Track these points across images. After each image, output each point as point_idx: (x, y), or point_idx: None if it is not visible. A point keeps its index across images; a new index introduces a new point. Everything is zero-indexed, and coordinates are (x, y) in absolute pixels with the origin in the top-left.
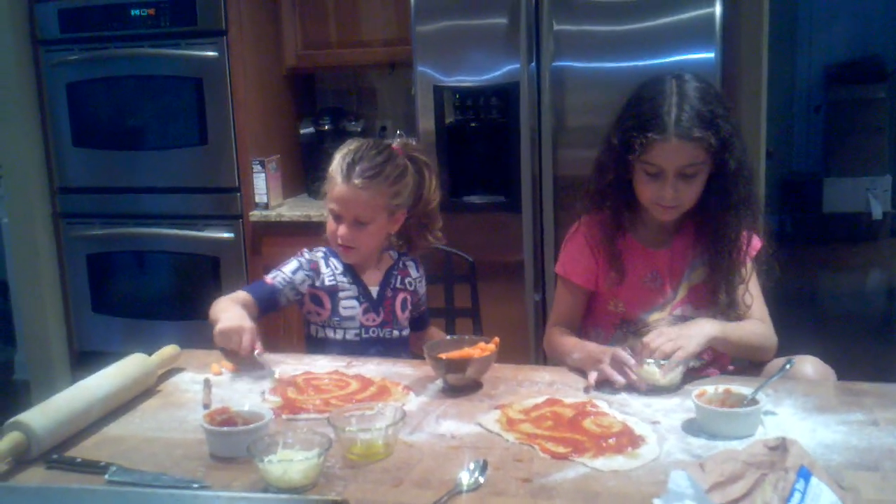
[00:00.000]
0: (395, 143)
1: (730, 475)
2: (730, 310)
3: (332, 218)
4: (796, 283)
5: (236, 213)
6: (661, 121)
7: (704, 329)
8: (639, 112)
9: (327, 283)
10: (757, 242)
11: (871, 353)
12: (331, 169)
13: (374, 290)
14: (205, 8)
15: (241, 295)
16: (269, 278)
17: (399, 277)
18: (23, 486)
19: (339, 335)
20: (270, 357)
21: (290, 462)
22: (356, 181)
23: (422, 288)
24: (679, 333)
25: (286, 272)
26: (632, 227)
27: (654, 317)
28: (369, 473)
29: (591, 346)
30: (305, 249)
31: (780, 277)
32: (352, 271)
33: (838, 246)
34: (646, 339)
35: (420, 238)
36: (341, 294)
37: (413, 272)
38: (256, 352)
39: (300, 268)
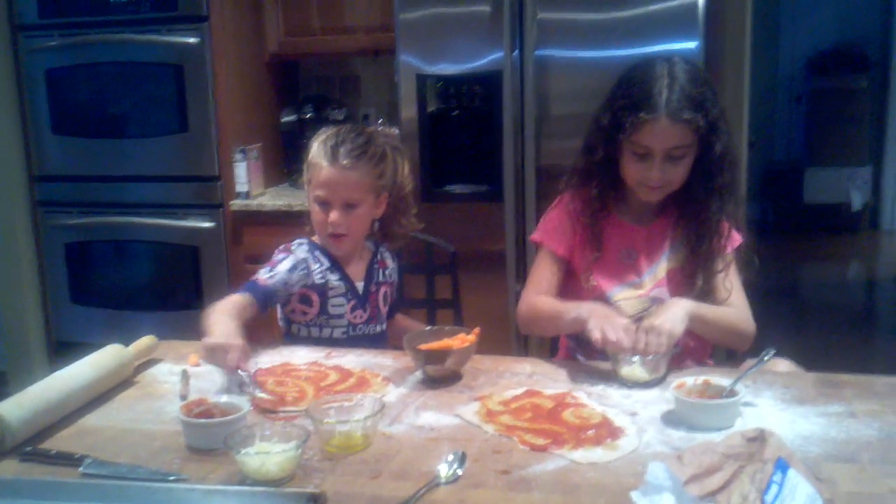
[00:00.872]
0: (369, 129)
1: (708, 467)
2: (707, 297)
3: (318, 206)
4: (776, 274)
5: (217, 202)
6: (651, 101)
7: (681, 307)
8: (630, 93)
9: (317, 280)
10: (737, 236)
11: (849, 345)
12: (311, 156)
13: (360, 286)
14: None
15: (238, 298)
16: (263, 279)
17: (380, 270)
18: None
19: (325, 333)
20: (258, 360)
21: (268, 454)
22: (344, 161)
23: (396, 278)
24: (662, 323)
25: (282, 271)
26: (614, 205)
27: (624, 294)
28: (347, 466)
29: (597, 305)
30: (292, 245)
31: (759, 269)
32: (338, 267)
33: (818, 236)
34: (637, 345)
35: (396, 225)
36: (331, 292)
37: (390, 262)
38: (239, 370)
39: (296, 266)
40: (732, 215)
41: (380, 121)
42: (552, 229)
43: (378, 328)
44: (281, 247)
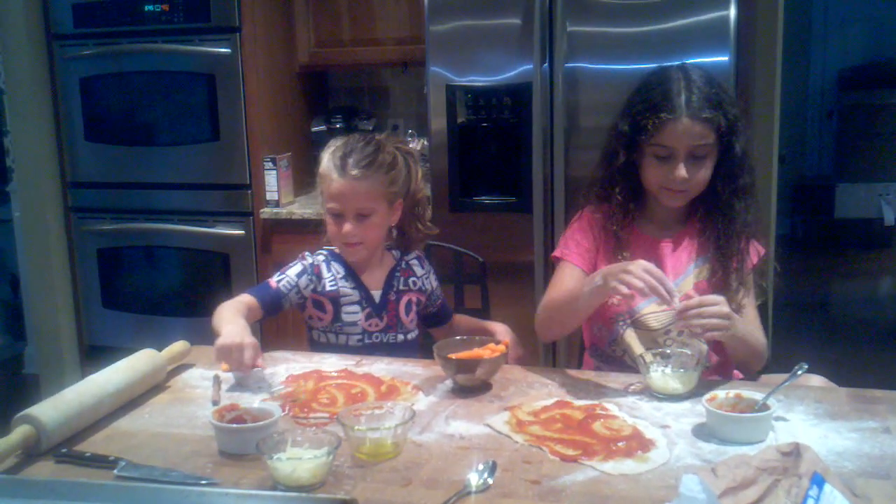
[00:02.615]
0: (379, 136)
1: (742, 480)
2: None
3: (331, 218)
4: (808, 289)
5: (247, 210)
6: (671, 102)
7: (740, 322)
8: (648, 97)
9: (328, 288)
10: (759, 248)
11: (882, 361)
12: (321, 169)
13: (377, 294)
14: (218, 4)
15: (245, 298)
16: (273, 281)
17: (402, 279)
18: (32, 479)
19: (341, 340)
20: (278, 355)
21: (300, 460)
22: (353, 172)
23: (430, 283)
24: (733, 315)
25: (291, 275)
26: (636, 217)
27: (650, 308)
28: (378, 473)
29: (613, 265)
30: (307, 252)
31: (788, 282)
32: (354, 275)
33: (850, 252)
34: (708, 299)
35: (413, 230)
36: (343, 300)
37: (418, 269)
38: (257, 368)
39: (304, 271)
40: (754, 227)
41: (409, 132)
42: (573, 245)
43: (400, 337)
44: (300, 255)
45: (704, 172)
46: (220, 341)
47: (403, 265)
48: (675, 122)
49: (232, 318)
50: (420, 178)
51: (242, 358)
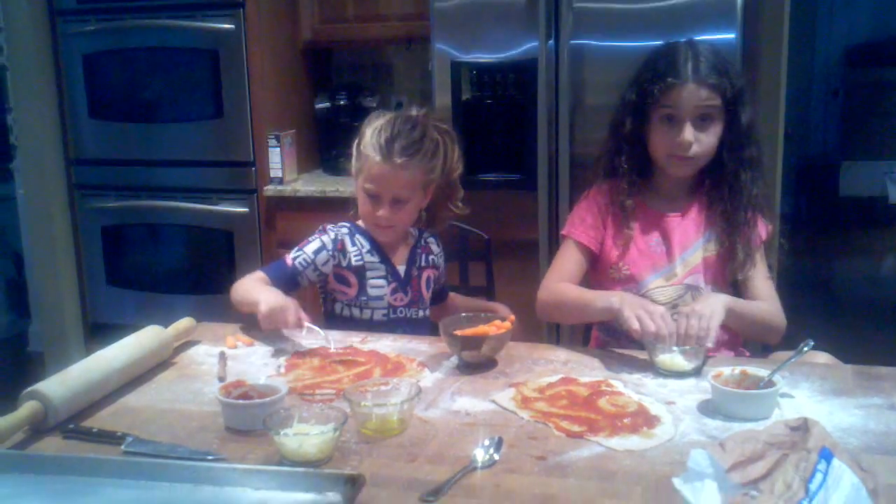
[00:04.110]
0: (419, 114)
1: (750, 455)
2: (743, 284)
3: (367, 198)
4: (812, 267)
5: (251, 188)
6: (677, 68)
7: (720, 299)
8: (655, 66)
9: (354, 262)
10: (765, 226)
11: (887, 338)
12: (363, 146)
13: (402, 269)
14: None
15: (260, 276)
16: (289, 259)
17: (423, 255)
18: (39, 454)
19: (366, 315)
20: (284, 333)
21: (306, 436)
22: (397, 160)
23: (442, 262)
24: (703, 310)
25: (308, 252)
26: (642, 191)
27: (656, 283)
28: (384, 449)
29: (628, 294)
30: (329, 226)
31: (792, 261)
32: (379, 249)
33: (854, 230)
34: (678, 325)
35: (443, 209)
36: (369, 273)
37: (434, 248)
38: (306, 325)
39: (323, 247)
40: (760, 201)
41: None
42: (579, 221)
43: (420, 313)
44: (319, 228)
45: (710, 138)
46: (264, 308)
47: (423, 242)
48: (681, 86)
49: (259, 287)
50: (457, 159)
51: (288, 319)
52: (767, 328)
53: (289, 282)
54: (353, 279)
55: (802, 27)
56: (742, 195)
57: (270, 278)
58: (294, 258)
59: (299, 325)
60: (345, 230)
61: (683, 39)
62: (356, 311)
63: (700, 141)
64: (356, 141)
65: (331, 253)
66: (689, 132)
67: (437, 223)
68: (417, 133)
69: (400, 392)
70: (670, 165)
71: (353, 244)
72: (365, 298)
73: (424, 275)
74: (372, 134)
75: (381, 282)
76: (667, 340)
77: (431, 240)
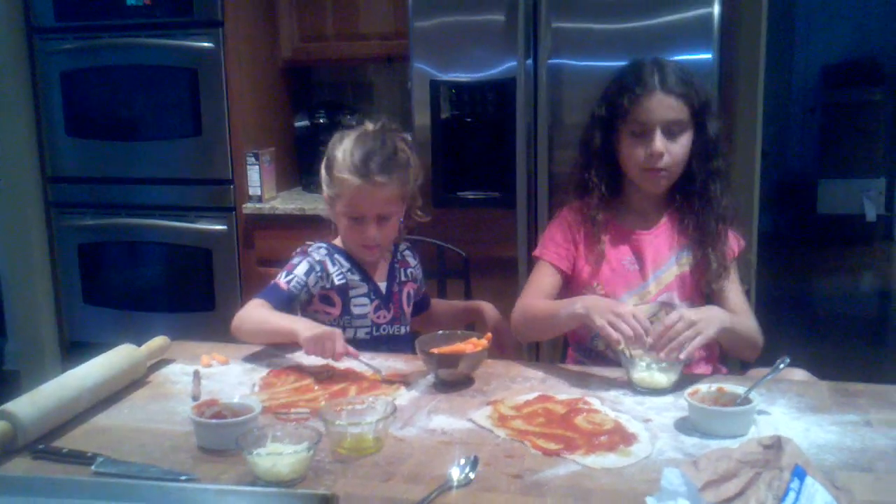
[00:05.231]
0: (374, 127)
1: (723, 473)
2: (716, 302)
3: (349, 221)
4: (790, 285)
5: (229, 206)
6: (644, 80)
7: (720, 316)
8: (622, 81)
9: (337, 282)
10: (738, 241)
11: (863, 356)
12: (336, 169)
13: (383, 286)
14: None
15: (262, 303)
16: (283, 283)
17: (402, 270)
18: (7, 475)
19: (349, 334)
20: (260, 351)
21: (280, 455)
22: (377, 178)
23: (420, 273)
24: (699, 317)
25: (300, 275)
26: (614, 210)
27: (630, 301)
28: (359, 468)
29: (590, 297)
30: (310, 248)
31: (770, 277)
32: (360, 268)
33: (832, 248)
34: (667, 321)
35: (408, 219)
36: (352, 293)
37: (411, 260)
38: (354, 356)
39: (312, 269)
40: (731, 213)
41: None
42: (549, 241)
43: (402, 329)
44: (297, 249)
45: (679, 149)
46: (308, 334)
47: (399, 256)
48: (648, 96)
49: (278, 315)
50: (418, 165)
51: (335, 347)
52: (752, 345)
53: (286, 307)
54: (337, 299)
55: (780, 47)
56: (712, 206)
57: (269, 303)
58: (288, 281)
59: (344, 354)
60: (323, 251)
61: (650, 58)
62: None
63: (670, 151)
64: (323, 166)
65: (319, 274)
66: (659, 142)
67: (402, 232)
68: (389, 147)
69: (375, 410)
70: (644, 180)
71: (334, 264)
72: (348, 318)
73: (405, 290)
74: (343, 157)
75: (364, 300)
76: (643, 341)
77: (408, 252)
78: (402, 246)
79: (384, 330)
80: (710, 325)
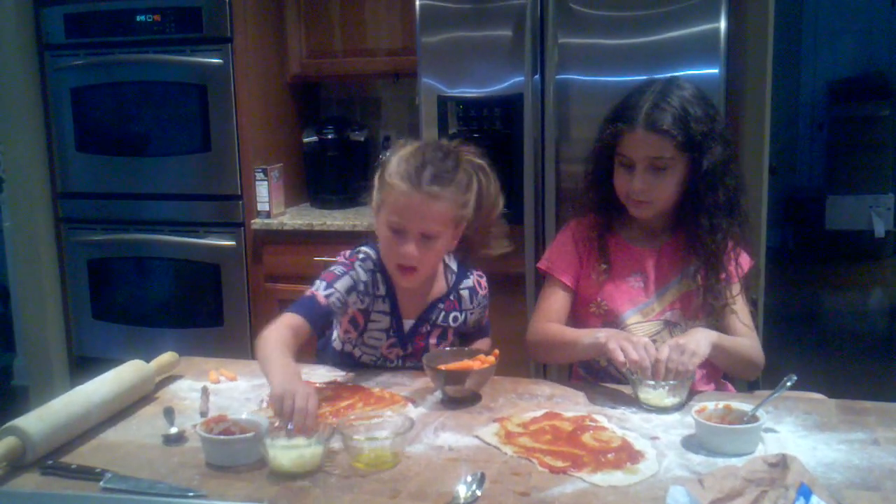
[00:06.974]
0: (451, 144)
1: (729, 491)
2: (720, 323)
3: (390, 234)
4: (798, 301)
5: (238, 221)
6: (630, 112)
7: (705, 335)
8: (617, 106)
9: (362, 305)
10: (747, 260)
11: (872, 372)
12: (388, 174)
13: (408, 324)
14: (210, 15)
15: (292, 321)
16: (321, 296)
17: (443, 313)
18: (17, 491)
19: (356, 353)
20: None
21: (296, 448)
22: (427, 188)
23: (475, 315)
24: (686, 340)
25: (341, 290)
26: (620, 226)
27: (634, 319)
28: (366, 484)
29: (613, 329)
30: (359, 257)
31: (779, 294)
32: (392, 297)
33: (840, 263)
34: (659, 355)
35: (481, 248)
36: (371, 324)
37: (466, 303)
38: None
39: (354, 287)
40: (737, 238)
41: (401, 141)
42: (558, 257)
43: (414, 363)
44: (345, 254)
45: (665, 186)
46: (275, 391)
47: (453, 296)
48: (630, 132)
49: (278, 356)
50: (497, 195)
51: (294, 405)
52: (749, 364)
53: (324, 320)
54: (360, 319)
55: (787, 62)
56: (706, 241)
57: (306, 320)
58: (327, 295)
59: (314, 417)
60: (370, 264)
61: (664, 76)
62: (348, 347)
63: (655, 188)
64: (378, 172)
65: (360, 295)
66: (639, 180)
67: (472, 260)
68: (450, 162)
69: (392, 424)
70: (629, 207)
71: (374, 285)
72: (360, 341)
73: (437, 332)
74: (398, 162)
75: (380, 335)
76: (648, 372)
77: (466, 291)
78: (470, 279)
79: (391, 364)
80: (700, 344)
